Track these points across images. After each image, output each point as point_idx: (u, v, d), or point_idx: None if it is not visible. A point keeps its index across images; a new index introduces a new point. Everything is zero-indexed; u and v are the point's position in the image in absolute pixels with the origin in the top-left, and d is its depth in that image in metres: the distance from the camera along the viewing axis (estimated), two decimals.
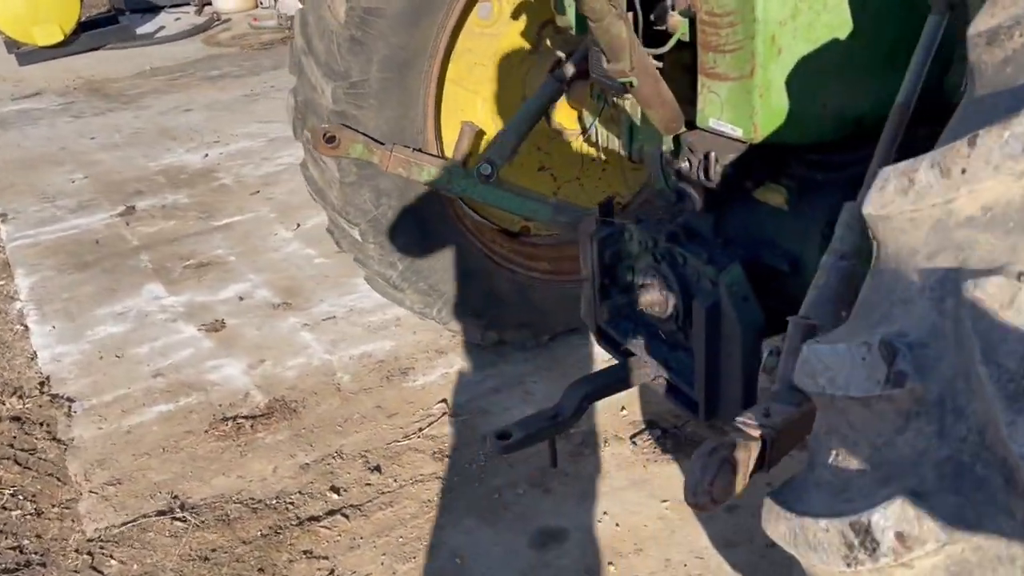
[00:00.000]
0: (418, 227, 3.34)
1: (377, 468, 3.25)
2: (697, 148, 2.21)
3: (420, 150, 3.17)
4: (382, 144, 3.05)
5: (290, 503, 3.10)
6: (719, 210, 2.48)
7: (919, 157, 1.14)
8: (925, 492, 1.06)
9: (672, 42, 2.15)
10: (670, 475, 3.13)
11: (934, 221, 1.12)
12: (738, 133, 2.09)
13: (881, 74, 2.10)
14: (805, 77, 2.01)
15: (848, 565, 1.17)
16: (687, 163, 2.26)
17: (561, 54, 3.58)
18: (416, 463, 3.26)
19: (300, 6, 3.23)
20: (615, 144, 3.38)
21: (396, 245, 3.34)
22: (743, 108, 2.04)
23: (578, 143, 3.86)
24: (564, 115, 3.75)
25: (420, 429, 3.44)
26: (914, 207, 1.14)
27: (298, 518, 3.03)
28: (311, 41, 3.08)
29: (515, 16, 3.46)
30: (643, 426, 3.38)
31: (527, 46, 3.55)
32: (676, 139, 2.36)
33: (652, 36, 2.39)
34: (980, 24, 1.17)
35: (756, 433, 1.59)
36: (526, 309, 3.72)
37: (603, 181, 4.00)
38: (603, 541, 2.86)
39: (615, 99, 3.20)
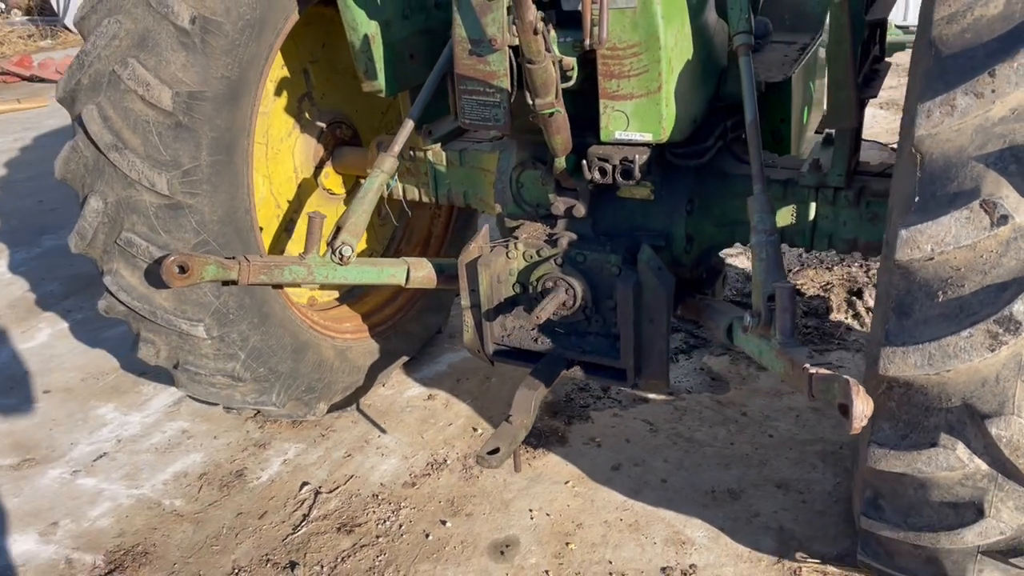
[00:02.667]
0: (257, 310, 3.23)
1: (292, 565, 3.06)
2: (612, 157, 2.70)
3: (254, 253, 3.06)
4: (232, 258, 2.91)
5: None
6: (594, 212, 3.00)
7: (949, 92, 1.83)
8: None
9: (575, 77, 2.62)
10: (554, 462, 3.52)
11: (976, 127, 1.82)
12: (647, 138, 2.64)
13: (704, 86, 2.84)
14: (681, 89, 2.64)
15: (992, 350, 1.81)
16: (598, 173, 2.74)
17: (322, 124, 3.78)
18: (329, 544, 3.14)
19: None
20: (415, 195, 3.66)
21: (238, 333, 3.18)
22: (651, 117, 2.61)
23: (341, 206, 4.02)
24: (333, 181, 3.90)
25: (305, 516, 3.30)
26: (960, 122, 1.83)
27: None
28: (121, 135, 2.82)
29: (277, 93, 3.54)
30: None
31: (291, 120, 3.64)
32: (568, 158, 2.82)
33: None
34: (940, 11, 1.91)
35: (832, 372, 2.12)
36: (348, 371, 3.77)
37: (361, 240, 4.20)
38: (548, 531, 3.15)
39: (412, 152, 3.54)
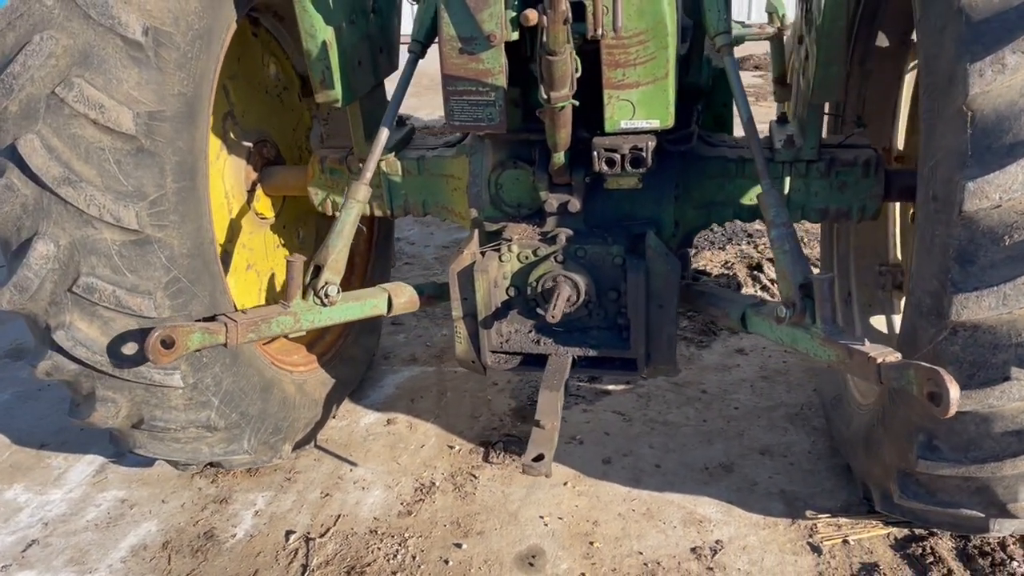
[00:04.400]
0: (227, 350, 2.92)
1: None
2: (621, 146, 2.68)
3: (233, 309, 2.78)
4: (213, 319, 2.66)
5: None
6: (586, 207, 2.97)
7: (997, 52, 1.99)
8: None
9: (579, 68, 2.58)
10: None
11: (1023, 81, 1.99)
12: (654, 124, 2.65)
13: (678, 73, 2.90)
14: (675, 75, 2.68)
15: None
16: (606, 163, 2.71)
17: (248, 144, 3.50)
18: None
19: None
20: (365, 209, 3.44)
21: (212, 377, 2.87)
22: (659, 104, 2.62)
23: (269, 231, 3.74)
24: (263, 204, 3.62)
25: (304, 566, 3.02)
26: (1010, 78, 1.99)
27: None
28: (71, 167, 2.45)
29: None
30: (481, 449, 3.60)
31: (218, 142, 3.33)
32: (565, 153, 2.78)
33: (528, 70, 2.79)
34: None
35: (898, 356, 2.22)
36: (307, 406, 3.50)
37: (284, 266, 3.91)
38: (567, 534, 3.09)
39: (362, 164, 3.35)
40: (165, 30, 2.54)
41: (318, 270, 2.84)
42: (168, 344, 2.50)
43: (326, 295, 2.83)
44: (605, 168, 2.74)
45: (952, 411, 1.99)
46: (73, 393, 2.90)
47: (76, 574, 3.05)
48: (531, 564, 2.97)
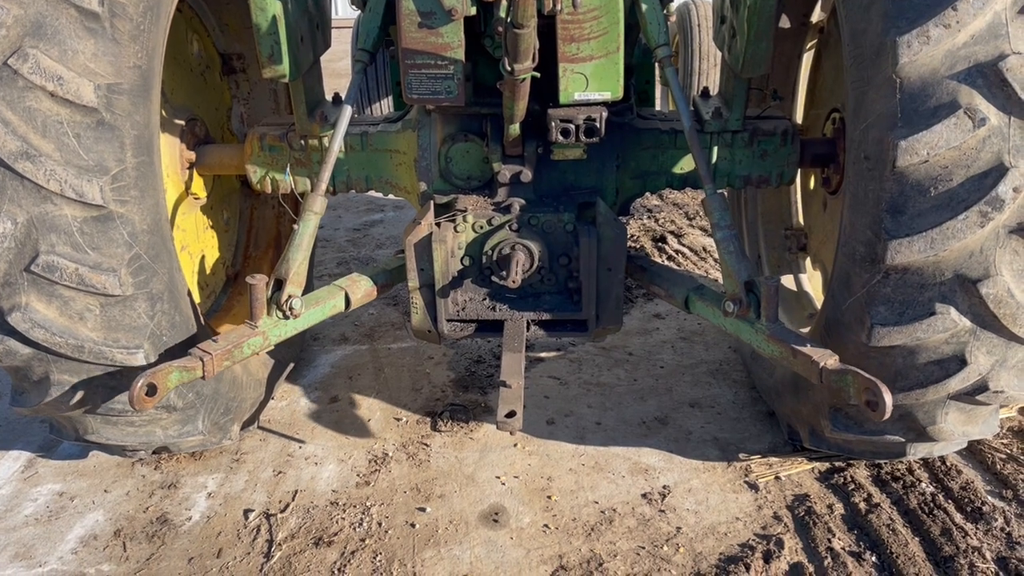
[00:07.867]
0: (185, 327, 2.88)
1: None
2: (576, 117, 2.83)
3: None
4: (189, 354, 2.65)
5: None
6: (534, 178, 3.11)
7: (922, 26, 2.27)
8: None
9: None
10: (492, 431, 3.59)
11: (945, 52, 2.27)
12: (606, 96, 2.82)
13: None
14: (623, 49, 2.86)
15: (982, 227, 2.29)
16: (561, 134, 2.86)
17: (180, 122, 3.45)
18: (316, 560, 2.92)
19: None
20: (307, 186, 3.45)
21: (173, 356, 2.82)
22: (610, 77, 2.79)
23: (199, 212, 3.67)
24: (197, 184, 3.55)
25: (270, 541, 3.02)
26: (933, 48, 2.27)
27: None
28: (29, 141, 2.36)
29: None
30: (428, 419, 3.69)
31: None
32: (523, 124, 2.90)
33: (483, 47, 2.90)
34: None
35: (836, 358, 2.52)
36: (252, 386, 3.48)
37: (212, 248, 3.86)
38: (525, 490, 3.24)
39: (304, 141, 3.38)
40: (119, 1, 2.49)
41: (280, 284, 2.86)
42: (151, 392, 2.49)
43: (291, 309, 2.86)
44: (561, 138, 2.89)
45: (887, 416, 2.31)
46: (19, 380, 2.80)
47: (25, 568, 2.93)
48: (495, 520, 3.09)
